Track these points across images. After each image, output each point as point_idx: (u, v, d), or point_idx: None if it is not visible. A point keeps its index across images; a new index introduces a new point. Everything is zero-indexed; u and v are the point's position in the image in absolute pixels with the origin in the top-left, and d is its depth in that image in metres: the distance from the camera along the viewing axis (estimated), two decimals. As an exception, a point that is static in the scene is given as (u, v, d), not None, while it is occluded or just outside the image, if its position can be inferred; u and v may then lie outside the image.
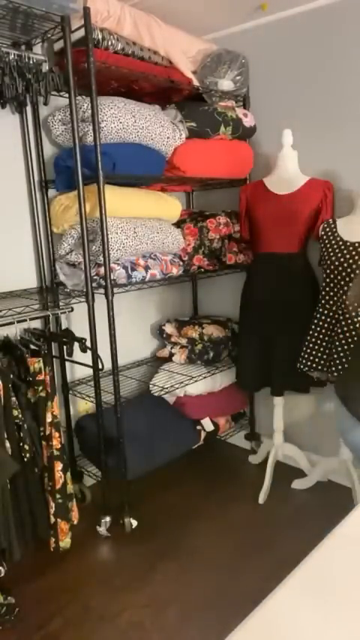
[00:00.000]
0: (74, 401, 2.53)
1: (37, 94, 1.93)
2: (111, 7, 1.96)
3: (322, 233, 2.16)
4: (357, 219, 2.12)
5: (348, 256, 2.07)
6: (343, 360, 2.08)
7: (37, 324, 2.31)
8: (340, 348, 2.08)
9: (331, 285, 2.12)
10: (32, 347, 2.03)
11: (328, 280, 2.13)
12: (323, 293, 2.15)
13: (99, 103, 1.93)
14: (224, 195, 2.84)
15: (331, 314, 2.14)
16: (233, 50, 2.38)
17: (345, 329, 2.07)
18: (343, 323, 2.08)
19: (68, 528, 2.05)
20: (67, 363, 2.44)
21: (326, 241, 2.14)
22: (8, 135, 2.14)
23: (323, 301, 2.15)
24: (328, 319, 2.14)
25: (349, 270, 2.06)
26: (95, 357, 2.08)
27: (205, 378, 2.57)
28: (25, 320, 1.98)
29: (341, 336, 2.08)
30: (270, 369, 2.41)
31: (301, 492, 2.53)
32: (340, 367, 2.08)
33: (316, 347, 2.17)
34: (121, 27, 2.03)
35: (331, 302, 2.13)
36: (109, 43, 2.00)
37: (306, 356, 2.20)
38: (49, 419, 1.97)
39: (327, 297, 2.14)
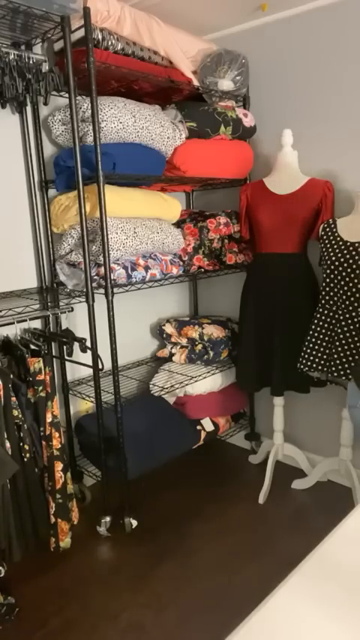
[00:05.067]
0: (74, 401, 2.53)
1: (37, 94, 1.93)
2: (111, 7, 1.96)
3: (322, 233, 2.16)
4: (357, 219, 2.12)
5: (348, 256, 2.07)
6: (344, 359, 2.08)
7: (37, 324, 2.31)
8: (340, 348, 2.08)
9: (331, 285, 2.12)
10: (32, 347, 2.03)
11: (328, 280, 2.13)
12: (323, 293, 2.15)
13: (99, 103, 1.93)
14: (224, 195, 2.84)
15: (331, 314, 2.14)
16: (233, 50, 2.38)
17: (345, 329, 2.07)
18: (343, 323, 2.08)
19: (68, 528, 2.05)
20: (67, 363, 2.44)
21: (326, 241, 2.14)
22: (8, 135, 2.14)
23: (323, 301, 2.15)
24: (328, 319, 2.14)
25: (349, 270, 2.06)
26: (95, 357, 2.09)
27: (205, 378, 2.57)
28: (25, 320, 1.98)
29: (341, 336, 2.08)
30: (270, 369, 2.41)
31: (301, 492, 2.53)
32: (340, 367, 2.08)
33: (316, 347, 2.18)
34: (121, 27, 2.03)
35: (331, 302, 2.13)
36: (109, 43, 2.00)
37: (306, 356, 2.20)
38: (49, 419, 1.97)
39: (327, 297, 2.14)
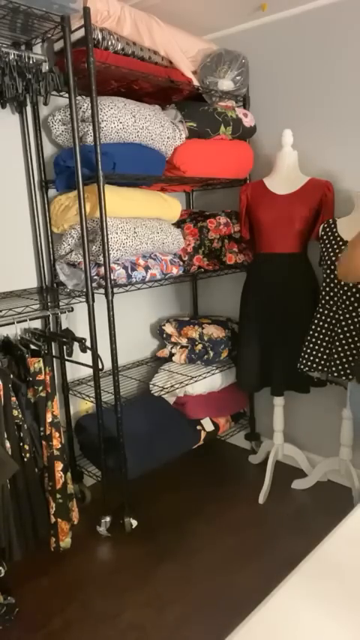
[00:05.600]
0: (74, 401, 2.53)
1: (37, 94, 1.93)
2: (111, 7, 1.96)
3: (322, 233, 2.16)
4: (357, 219, 2.12)
5: (348, 256, 2.07)
6: (343, 360, 2.08)
7: (37, 324, 2.31)
8: (340, 348, 2.08)
9: (331, 285, 2.12)
10: (32, 347, 2.03)
11: (328, 280, 2.13)
12: (323, 293, 2.15)
13: (99, 103, 1.93)
14: (224, 195, 2.84)
15: (331, 314, 2.14)
16: (233, 50, 2.38)
17: (345, 329, 2.07)
18: (343, 323, 2.08)
19: (68, 528, 2.05)
20: (67, 363, 2.44)
21: (326, 241, 2.14)
22: (8, 135, 2.14)
23: (323, 301, 2.15)
24: (328, 319, 2.14)
25: (349, 270, 2.06)
26: (95, 357, 2.09)
27: (205, 378, 2.57)
28: (25, 320, 1.98)
29: (341, 336, 2.08)
30: (270, 369, 2.41)
31: (301, 492, 2.53)
32: (340, 367, 2.08)
33: (316, 347, 2.17)
34: (121, 27, 2.03)
35: (331, 302, 2.13)
36: (109, 43, 2.00)
37: (306, 356, 2.20)
38: (49, 419, 1.97)
39: (327, 297, 2.14)
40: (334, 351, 2.10)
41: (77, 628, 1.77)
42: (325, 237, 2.15)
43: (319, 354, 2.17)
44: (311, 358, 2.19)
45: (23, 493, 1.91)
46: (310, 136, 2.41)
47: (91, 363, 2.12)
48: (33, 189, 2.24)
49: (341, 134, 2.32)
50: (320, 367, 2.17)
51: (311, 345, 2.19)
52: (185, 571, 2.02)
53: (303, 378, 2.36)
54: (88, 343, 2.05)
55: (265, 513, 2.38)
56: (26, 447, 1.90)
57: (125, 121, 2.00)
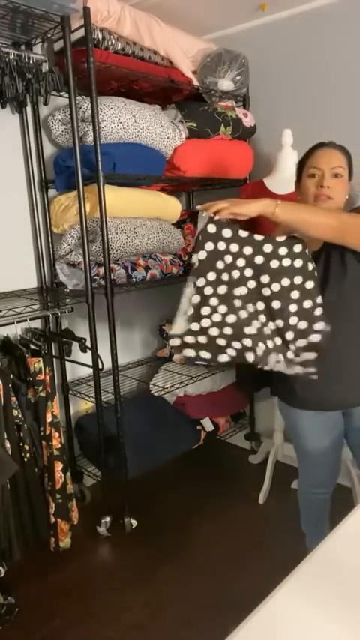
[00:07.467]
0: (74, 401, 2.53)
1: (37, 94, 1.93)
2: (111, 7, 1.96)
3: (322, 233, 2.16)
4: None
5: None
6: None
7: (37, 324, 2.31)
8: None
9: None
10: (32, 347, 2.03)
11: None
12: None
13: (99, 103, 1.93)
14: (224, 195, 2.84)
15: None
16: (233, 50, 2.38)
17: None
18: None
19: (68, 528, 2.05)
20: (67, 363, 2.44)
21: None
22: (8, 135, 2.14)
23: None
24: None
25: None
26: (95, 357, 2.08)
27: (205, 378, 2.57)
28: (25, 320, 1.98)
29: None
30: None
31: (301, 492, 2.53)
32: None
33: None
34: (121, 27, 2.03)
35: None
36: (109, 43, 2.00)
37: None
38: (49, 419, 1.97)
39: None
40: None
41: (77, 628, 1.77)
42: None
43: None
44: None
45: (23, 493, 1.91)
46: (310, 136, 2.41)
47: (91, 363, 2.11)
48: (33, 189, 2.24)
49: (341, 134, 2.31)
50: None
51: None
52: (185, 571, 2.02)
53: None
54: (88, 343, 2.05)
55: (265, 513, 2.38)
56: (26, 447, 1.90)
57: (125, 121, 2.00)
